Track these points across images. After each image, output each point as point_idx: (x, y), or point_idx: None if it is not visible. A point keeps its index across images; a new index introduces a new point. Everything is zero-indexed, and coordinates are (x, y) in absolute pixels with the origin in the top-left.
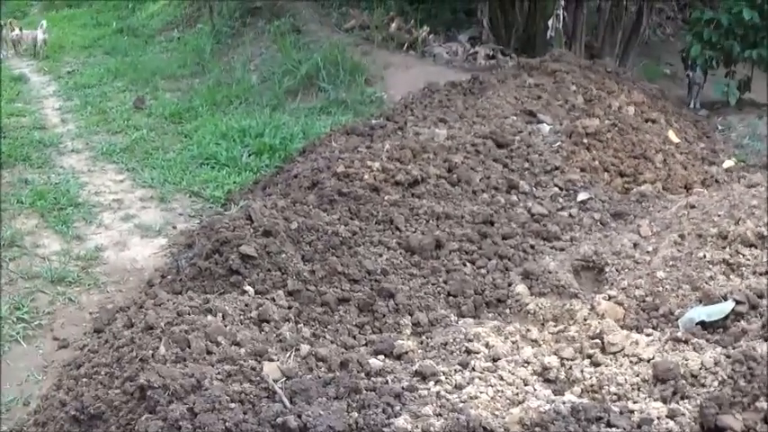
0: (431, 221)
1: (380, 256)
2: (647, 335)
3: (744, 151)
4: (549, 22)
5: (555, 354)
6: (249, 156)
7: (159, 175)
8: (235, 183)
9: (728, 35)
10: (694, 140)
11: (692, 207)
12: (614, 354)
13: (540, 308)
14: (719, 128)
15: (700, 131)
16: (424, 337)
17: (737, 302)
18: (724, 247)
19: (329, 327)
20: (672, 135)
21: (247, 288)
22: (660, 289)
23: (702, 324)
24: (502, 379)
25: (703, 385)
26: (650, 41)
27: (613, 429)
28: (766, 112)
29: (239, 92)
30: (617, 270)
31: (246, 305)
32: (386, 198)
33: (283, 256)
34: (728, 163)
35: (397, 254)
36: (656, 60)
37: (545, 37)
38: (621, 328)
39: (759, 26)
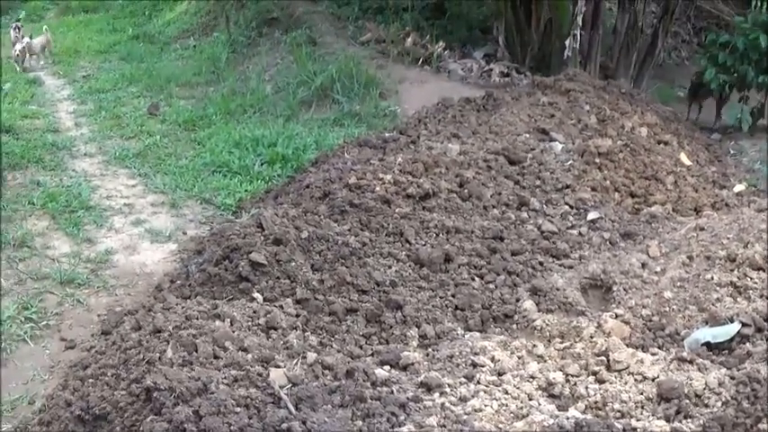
0: (441, 235)
1: (389, 267)
2: (653, 354)
3: (755, 176)
4: (567, 42)
5: (560, 370)
6: (262, 165)
7: (171, 181)
8: (246, 191)
9: (743, 60)
10: (706, 164)
11: (702, 229)
12: (619, 371)
13: (547, 324)
14: (731, 152)
15: (712, 155)
16: (430, 350)
17: (743, 325)
18: (732, 270)
19: (336, 336)
20: (684, 157)
21: (256, 295)
22: (667, 309)
23: (708, 345)
24: (506, 393)
25: (707, 405)
26: (665, 64)
27: None
28: None
29: (253, 101)
30: (624, 289)
31: (255, 312)
32: (397, 210)
33: (293, 264)
34: (739, 187)
35: (406, 266)
36: (671, 83)
37: (560, 56)
38: (627, 346)
39: None
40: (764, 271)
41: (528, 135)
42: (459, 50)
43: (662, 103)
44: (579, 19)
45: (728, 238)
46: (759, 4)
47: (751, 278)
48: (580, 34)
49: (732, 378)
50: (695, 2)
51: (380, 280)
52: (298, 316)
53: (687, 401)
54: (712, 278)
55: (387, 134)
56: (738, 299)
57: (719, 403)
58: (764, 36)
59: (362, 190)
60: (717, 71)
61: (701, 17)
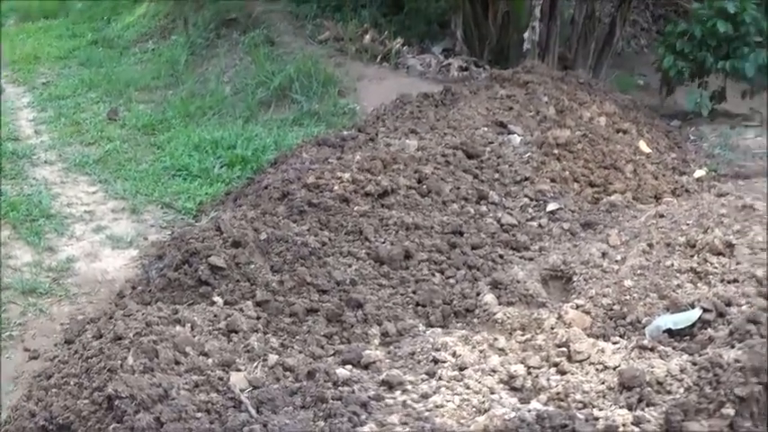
0: (400, 232)
1: (349, 266)
2: (614, 343)
3: (715, 161)
4: (525, 35)
5: (521, 362)
6: (221, 167)
7: (131, 186)
8: (206, 194)
9: (701, 47)
10: (666, 151)
11: (662, 216)
12: (580, 362)
13: (508, 317)
14: (692, 138)
15: (671, 142)
16: (392, 347)
17: (705, 310)
18: (692, 256)
19: (297, 337)
20: (643, 145)
21: (216, 299)
22: (627, 297)
23: (669, 332)
24: (468, 387)
25: (669, 392)
26: (624, 53)
27: None
28: (738, 122)
29: (212, 103)
30: (585, 279)
31: (215, 316)
32: (355, 209)
33: (252, 266)
34: (699, 173)
35: (366, 264)
36: (630, 71)
37: (518, 48)
38: (588, 336)
39: (732, 37)
40: (725, 256)
41: (486, 128)
42: (417, 46)
43: (621, 92)
44: (537, 11)
45: (688, 225)
46: None
47: (711, 263)
48: (538, 26)
49: (694, 364)
50: None
51: (340, 279)
52: (258, 318)
53: (649, 389)
54: (672, 265)
55: (345, 132)
56: (699, 284)
57: (682, 389)
58: (722, 22)
59: (321, 189)
60: (675, 58)
61: (659, 5)
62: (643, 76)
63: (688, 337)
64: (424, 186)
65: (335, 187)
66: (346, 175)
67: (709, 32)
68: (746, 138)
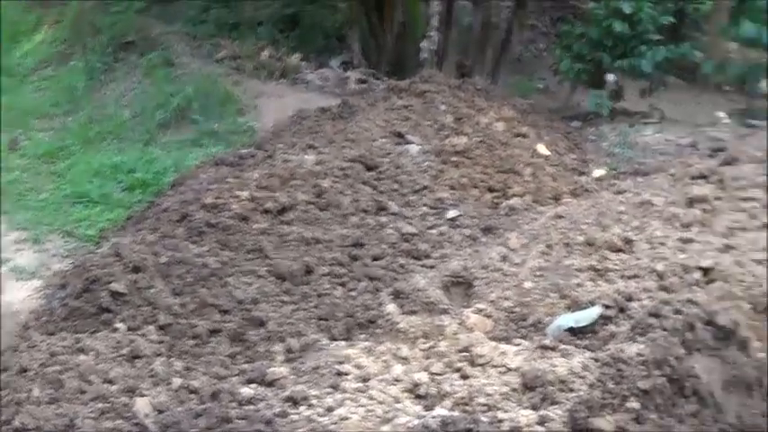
0: (300, 247)
1: (250, 285)
2: (516, 345)
3: (615, 160)
4: (422, 45)
5: (425, 370)
6: (122, 192)
7: (33, 216)
8: (108, 220)
9: (598, 48)
10: (565, 152)
11: (560, 217)
12: (483, 366)
13: (411, 326)
14: (592, 138)
15: (571, 143)
16: (296, 363)
17: (606, 307)
18: (591, 254)
19: (201, 359)
20: (541, 148)
21: (119, 325)
22: (528, 299)
23: (572, 330)
24: (372, 398)
25: (572, 390)
26: (523, 57)
27: None
28: (638, 119)
29: (112, 128)
30: (485, 283)
31: (118, 342)
32: (255, 227)
33: (153, 291)
34: (599, 172)
35: (267, 282)
36: (530, 76)
37: (416, 59)
38: (490, 339)
39: (628, 37)
40: (624, 252)
41: (384, 140)
42: (315, 61)
43: (521, 97)
44: (433, 20)
45: (587, 224)
46: None
47: (611, 260)
48: (435, 35)
49: (596, 360)
50: None
51: (242, 298)
52: (161, 342)
53: (552, 388)
54: (572, 264)
55: (243, 151)
56: (599, 282)
57: (585, 386)
58: (618, 22)
59: (219, 209)
60: (572, 61)
61: (558, 8)
62: (543, 80)
63: (590, 335)
64: (323, 200)
65: (234, 206)
66: (245, 194)
67: (605, 33)
68: (645, 135)
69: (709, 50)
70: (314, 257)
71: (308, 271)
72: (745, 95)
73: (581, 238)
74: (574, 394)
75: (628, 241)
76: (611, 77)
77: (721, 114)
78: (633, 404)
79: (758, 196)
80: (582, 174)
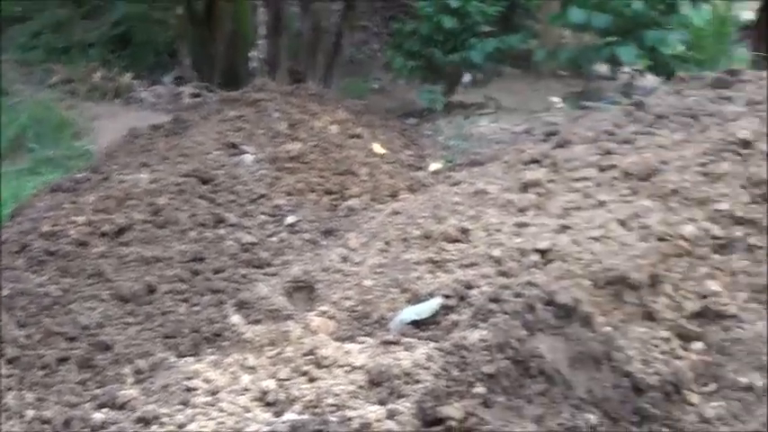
0: (141, 267)
1: (94, 309)
2: (360, 343)
3: (451, 152)
4: (251, 54)
5: (272, 377)
6: None
7: None
8: None
9: (429, 44)
10: (401, 149)
11: (398, 213)
12: (328, 367)
13: (257, 335)
14: (428, 133)
15: (407, 140)
16: (146, 383)
17: (446, 297)
18: (428, 247)
19: (53, 388)
20: (377, 147)
21: None
22: (370, 297)
23: (415, 323)
24: (222, 410)
25: (418, 381)
26: (357, 59)
27: None
28: (473, 111)
29: None
30: (327, 286)
31: None
32: (93, 251)
33: None
34: (435, 166)
35: (110, 305)
36: (364, 77)
37: (247, 68)
38: (335, 340)
39: (458, 31)
40: (461, 242)
41: (218, 152)
42: (148, 78)
43: (357, 98)
44: (262, 28)
45: (424, 217)
46: None
47: (448, 251)
48: (265, 43)
49: (440, 350)
50: None
51: (87, 324)
52: (11, 376)
53: (398, 381)
54: (410, 258)
55: (79, 175)
56: (438, 273)
57: (431, 376)
58: (447, 18)
59: (57, 236)
60: (405, 58)
61: (389, 7)
62: (378, 80)
63: (433, 326)
64: (161, 218)
65: (71, 232)
66: (81, 219)
67: (435, 29)
68: (481, 125)
69: (543, 38)
70: (155, 276)
71: (151, 290)
72: (583, 79)
73: (418, 232)
74: (420, 385)
75: (464, 231)
76: (467, 77)
77: (555, 99)
78: (479, 389)
79: (591, 175)
80: (418, 169)
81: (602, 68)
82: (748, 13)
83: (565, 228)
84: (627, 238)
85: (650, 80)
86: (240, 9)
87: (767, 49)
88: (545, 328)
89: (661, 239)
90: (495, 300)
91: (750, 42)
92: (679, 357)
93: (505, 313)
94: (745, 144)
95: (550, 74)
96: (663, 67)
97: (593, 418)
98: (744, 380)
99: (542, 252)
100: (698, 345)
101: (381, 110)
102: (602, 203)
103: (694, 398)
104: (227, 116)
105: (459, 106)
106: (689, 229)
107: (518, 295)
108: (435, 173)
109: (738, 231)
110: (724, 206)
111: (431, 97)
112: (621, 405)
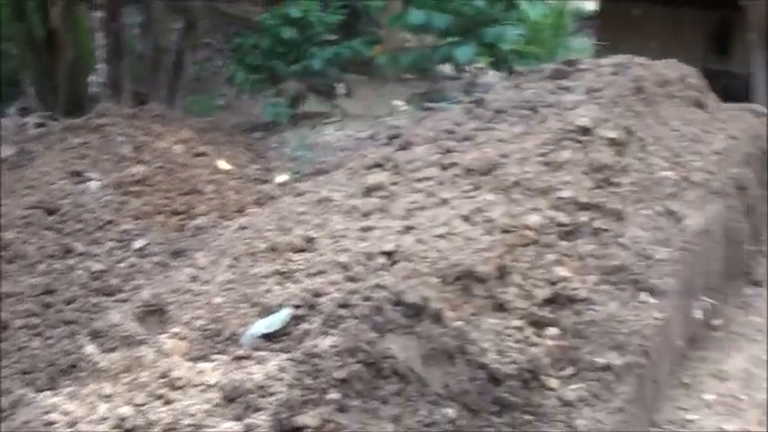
0: None
1: None
2: (213, 361)
3: (297, 163)
4: (93, 79)
5: (128, 403)
6: None
7: None
8: None
9: (271, 56)
10: (247, 164)
11: (245, 228)
12: (182, 388)
13: (112, 363)
14: (274, 146)
15: (253, 154)
16: (7, 421)
17: (296, 307)
18: (275, 259)
19: None
20: (222, 164)
21: None
22: (220, 314)
23: (266, 336)
24: None
25: (272, 394)
26: (202, 77)
27: None
28: (319, 121)
29: None
30: (178, 307)
31: None
32: None
33: None
34: (282, 178)
35: None
36: (210, 94)
37: (90, 94)
38: (188, 360)
39: (299, 41)
40: (307, 251)
41: (63, 181)
42: None
43: (203, 115)
44: (101, 52)
45: (270, 230)
46: None
47: (295, 261)
48: (105, 67)
49: (292, 360)
50: (218, 10)
51: None
52: None
53: (253, 396)
54: (258, 272)
55: None
56: (286, 284)
57: (284, 387)
58: (287, 29)
59: None
60: (247, 72)
61: (231, 23)
62: (223, 96)
63: (284, 337)
64: (9, 252)
65: None
66: None
67: (276, 41)
68: (326, 134)
69: (385, 43)
70: (7, 312)
71: (4, 327)
72: (428, 81)
73: (264, 245)
74: (274, 397)
75: (310, 240)
76: (290, 85)
77: (399, 103)
78: (334, 395)
79: (433, 174)
80: (265, 182)
81: (447, 69)
82: (591, 4)
83: (409, 228)
84: (471, 233)
85: (492, 76)
86: (80, 36)
87: (609, 38)
88: (395, 329)
89: (506, 231)
90: (344, 305)
91: (593, 32)
92: (534, 344)
93: (355, 318)
94: (585, 131)
95: (396, 78)
96: (503, 62)
97: (451, 412)
98: (601, 360)
99: (388, 254)
100: (552, 330)
101: (227, 126)
102: (445, 201)
103: (553, 382)
104: (71, 144)
105: (304, 117)
106: (533, 219)
107: (367, 299)
108: (282, 185)
109: (583, 216)
110: (567, 193)
111: (275, 111)
112: (480, 397)
